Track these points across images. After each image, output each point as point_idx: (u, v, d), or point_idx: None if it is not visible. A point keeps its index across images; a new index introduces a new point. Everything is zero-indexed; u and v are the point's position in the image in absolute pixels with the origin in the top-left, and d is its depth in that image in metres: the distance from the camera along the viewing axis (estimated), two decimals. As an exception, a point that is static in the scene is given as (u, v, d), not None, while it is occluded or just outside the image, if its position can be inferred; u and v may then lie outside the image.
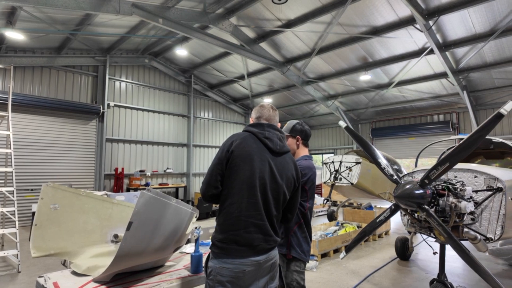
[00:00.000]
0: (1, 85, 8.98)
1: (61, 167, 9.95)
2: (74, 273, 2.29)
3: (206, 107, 15.00)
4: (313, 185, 2.57)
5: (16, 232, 5.28)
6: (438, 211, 3.54)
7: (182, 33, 8.51)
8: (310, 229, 2.59)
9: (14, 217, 5.42)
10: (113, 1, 7.07)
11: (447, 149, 5.72)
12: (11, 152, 5.75)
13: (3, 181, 7.89)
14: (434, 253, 4.39)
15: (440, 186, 3.62)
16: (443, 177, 3.82)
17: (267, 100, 14.89)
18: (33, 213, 6.90)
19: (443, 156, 3.23)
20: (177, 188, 12.81)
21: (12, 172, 5.60)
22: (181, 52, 11.03)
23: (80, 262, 2.39)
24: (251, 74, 12.74)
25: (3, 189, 5.52)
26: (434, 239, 4.08)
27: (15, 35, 7.78)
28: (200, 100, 14.71)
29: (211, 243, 1.94)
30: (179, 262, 2.69)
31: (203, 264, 2.06)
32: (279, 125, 2.28)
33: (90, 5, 6.83)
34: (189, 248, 3.07)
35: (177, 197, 12.44)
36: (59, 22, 8.34)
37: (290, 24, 9.10)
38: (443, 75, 10.35)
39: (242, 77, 13.16)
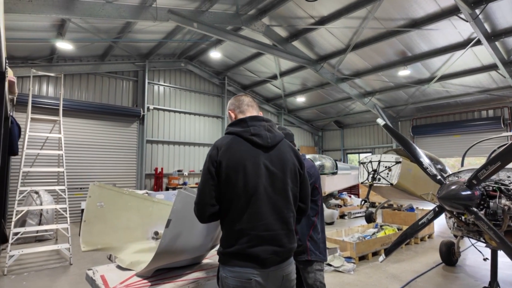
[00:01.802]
0: (53, 92, 9.77)
1: (106, 167, 10.60)
2: (119, 267, 2.43)
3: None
4: (320, 181, 2.68)
5: (68, 228, 5.72)
6: (489, 214, 3.29)
7: (216, 36, 8.69)
8: (324, 224, 2.66)
9: (66, 213, 5.88)
10: (151, 9, 7.40)
11: (498, 147, 5.29)
12: (62, 154, 6.23)
13: (55, 180, 8.58)
14: (485, 259, 4.08)
15: (491, 187, 3.35)
16: (494, 177, 3.54)
17: (300, 99, 14.74)
18: (82, 210, 7.42)
19: (493, 155, 3.00)
20: (212, 188, 13.08)
21: (63, 172, 6.07)
22: (215, 54, 11.28)
23: (124, 257, 2.52)
24: (283, 74, 12.69)
25: (56, 188, 6.01)
26: (484, 244, 3.79)
27: (64, 46, 8.43)
28: (233, 101, 14.92)
29: (218, 254, 1.82)
30: (216, 260, 2.75)
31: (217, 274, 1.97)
32: (261, 113, 2.03)
33: (130, 13, 7.21)
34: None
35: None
36: (102, 31, 8.90)
37: (323, 21, 8.93)
38: (492, 67, 9.57)
39: (274, 77, 13.14)
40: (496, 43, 8.27)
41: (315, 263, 2.53)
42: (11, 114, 6.54)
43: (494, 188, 3.34)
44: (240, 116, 1.94)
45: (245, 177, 1.71)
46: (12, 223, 5.52)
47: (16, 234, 5.83)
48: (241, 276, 1.67)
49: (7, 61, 3.97)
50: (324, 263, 2.67)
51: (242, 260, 1.69)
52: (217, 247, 3.00)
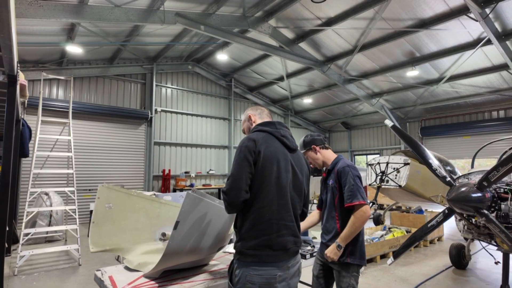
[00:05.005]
0: (63, 95, 9.92)
1: (115, 169, 10.72)
2: (127, 268, 2.45)
3: (246, 110, 15.20)
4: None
5: (77, 229, 5.79)
6: (500, 217, 3.23)
7: (222, 39, 8.73)
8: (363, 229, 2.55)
9: (75, 214, 5.95)
10: (158, 12, 7.47)
11: (509, 148, 5.20)
12: (72, 156, 6.32)
13: (65, 181, 8.70)
14: (496, 263, 4.01)
15: (502, 189, 3.29)
16: (505, 179, 3.47)
17: (307, 101, 14.71)
18: (91, 211, 7.51)
19: (504, 156, 2.95)
20: (219, 189, 13.15)
21: (73, 173, 6.15)
22: (221, 57, 11.34)
23: (132, 258, 2.54)
24: (290, 75, 12.68)
25: (66, 189, 6.09)
26: (495, 247, 3.72)
27: (74, 49, 8.57)
28: (240, 103, 14.96)
29: (237, 252, 1.82)
30: (222, 262, 2.76)
31: (228, 272, 1.98)
32: None
33: (138, 17, 7.30)
34: (232, 247, 3.12)
35: (219, 198, 12.76)
36: (111, 35, 9.02)
37: (330, 22, 8.90)
38: (503, 67, 9.42)
39: (281, 79, 13.14)
40: (507, 42, 8.14)
41: (353, 267, 2.41)
42: (22, 116, 6.66)
43: (506, 190, 3.28)
44: (259, 122, 2.12)
45: (278, 169, 1.84)
46: (23, 224, 5.61)
47: (26, 234, 5.93)
48: (268, 273, 1.74)
49: (18, 65, 4.05)
50: (362, 269, 2.56)
51: (272, 251, 1.76)
52: (225, 248, 3.01)
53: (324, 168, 2.68)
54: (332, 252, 2.37)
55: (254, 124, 2.12)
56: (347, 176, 2.39)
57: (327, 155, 2.63)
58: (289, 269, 1.85)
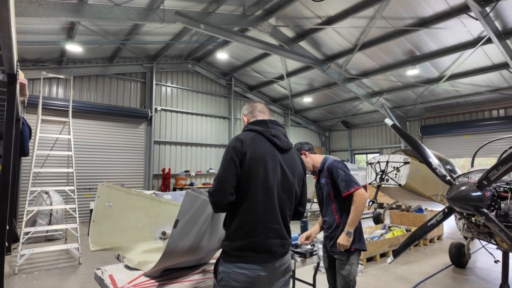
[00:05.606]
0: (63, 94, 9.92)
1: (115, 168, 10.72)
2: (127, 267, 2.45)
3: (246, 109, 15.20)
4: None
5: (77, 227, 5.80)
6: (500, 215, 3.23)
7: (222, 37, 8.72)
8: None
9: (75, 213, 5.96)
10: (158, 11, 7.46)
11: (509, 147, 5.20)
12: (72, 155, 6.32)
13: (65, 180, 8.70)
14: (496, 262, 4.01)
15: (502, 188, 3.30)
16: (505, 178, 3.48)
17: (307, 100, 14.70)
18: (91, 210, 7.51)
19: (504, 155, 2.95)
20: (219, 188, 13.15)
21: (73, 172, 6.15)
22: (221, 56, 11.33)
23: (132, 257, 2.54)
24: (290, 74, 12.67)
25: (66, 188, 6.09)
26: (495, 246, 3.73)
27: (74, 48, 8.55)
28: (240, 101, 14.95)
29: (222, 251, 1.83)
30: (223, 261, 2.76)
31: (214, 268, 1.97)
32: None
33: (138, 15, 7.29)
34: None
35: (219, 197, 12.75)
36: (111, 34, 9.01)
37: (330, 21, 8.89)
38: (503, 65, 9.41)
39: (281, 77, 13.13)
40: (507, 41, 8.13)
41: (354, 254, 2.59)
42: (22, 115, 6.66)
43: (506, 189, 3.28)
44: (252, 120, 2.06)
45: (265, 171, 1.80)
46: (23, 223, 5.62)
47: (27, 233, 5.93)
48: (252, 272, 1.73)
49: (18, 63, 4.05)
50: (362, 267, 2.74)
51: (256, 253, 1.74)
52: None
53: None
54: (343, 239, 2.54)
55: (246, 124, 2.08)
56: (337, 170, 2.65)
57: (316, 159, 2.90)
58: (276, 270, 1.82)
